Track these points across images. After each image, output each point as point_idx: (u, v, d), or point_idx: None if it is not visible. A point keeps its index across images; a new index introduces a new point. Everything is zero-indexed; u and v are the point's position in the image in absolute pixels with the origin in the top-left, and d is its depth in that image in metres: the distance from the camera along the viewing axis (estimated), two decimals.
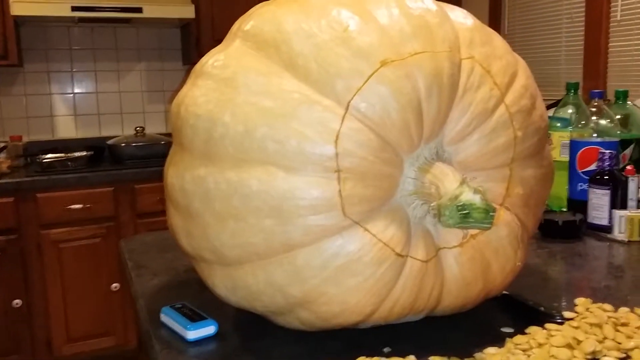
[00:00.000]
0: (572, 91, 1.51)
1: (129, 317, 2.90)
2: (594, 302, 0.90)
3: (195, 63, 0.82)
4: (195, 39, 3.22)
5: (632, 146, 1.52)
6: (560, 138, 1.49)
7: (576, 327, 0.80)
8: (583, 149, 1.40)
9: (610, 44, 2.75)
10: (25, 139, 3.17)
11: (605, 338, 0.77)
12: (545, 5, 3.10)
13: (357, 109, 0.70)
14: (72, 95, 3.33)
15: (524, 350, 0.75)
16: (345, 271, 0.71)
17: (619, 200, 1.31)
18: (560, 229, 1.30)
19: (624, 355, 0.74)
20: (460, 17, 0.82)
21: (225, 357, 0.79)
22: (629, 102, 1.59)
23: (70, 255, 2.78)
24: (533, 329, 0.81)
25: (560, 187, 1.45)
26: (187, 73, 3.49)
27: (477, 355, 0.76)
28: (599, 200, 1.32)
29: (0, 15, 2.83)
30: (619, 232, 1.29)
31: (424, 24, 0.75)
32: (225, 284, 0.79)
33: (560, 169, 1.41)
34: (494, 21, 3.45)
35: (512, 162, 0.80)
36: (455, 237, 0.77)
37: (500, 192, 0.80)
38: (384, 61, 0.71)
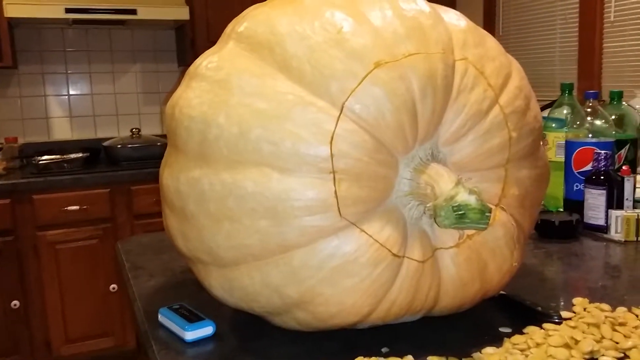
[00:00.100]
0: (567, 92, 1.51)
1: (128, 318, 2.90)
2: (591, 302, 0.90)
3: (190, 64, 0.82)
4: (190, 40, 3.22)
5: (627, 146, 1.52)
6: (556, 139, 1.49)
7: (574, 327, 0.80)
8: (578, 149, 1.40)
9: (604, 45, 2.75)
10: (20, 141, 3.16)
11: (602, 338, 0.77)
12: (540, 7, 3.11)
13: (351, 110, 0.70)
14: (67, 97, 3.33)
15: (521, 350, 0.75)
16: (341, 272, 0.71)
17: (615, 200, 1.31)
18: (557, 229, 1.30)
19: (621, 354, 0.74)
20: (454, 18, 0.82)
21: (223, 357, 0.79)
22: (623, 103, 1.60)
23: (67, 256, 2.78)
24: (531, 329, 0.81)
25: (557, 188, 1.45)
26: (182, 74, 3.48)
27: (475, 355, 0.76)
28: (595, 200, 1.33)
29: None
30: (616, 232, 1.29)
31: (417, 26, 0.75)
32: (221, 285, 0.79)
33: (556, 170, 1.42)
34: (489, 22, 3.45)
35: (507, 162, 0.80)
36: (451, 238, 0.77)
37: (495, 193, 0.80)
38: (378, 63, 0.71)
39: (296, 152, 0.69)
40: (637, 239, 1.27)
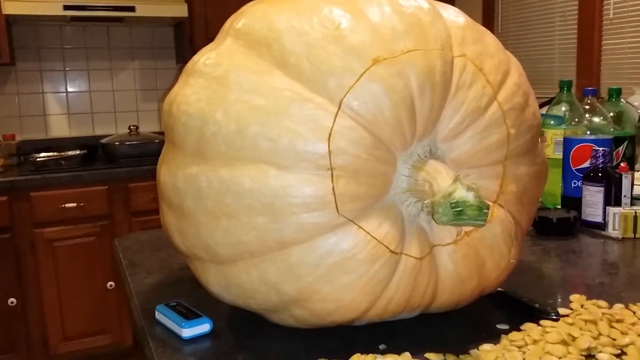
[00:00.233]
0: (566, 89, 1.52)
1: (125, 315, 2.89)
2: (589, 298, 0.91)
3: (188, 62, 0.82)
4: (189, 37, 3.22)
5: (625, 143, 1.52)
6: (554, 136, 1.49)
7: (571, 324, 0.80)
8: (577, 146, 1.40)
9: (603, 42, 2.75)
10: (18, 138, 3.16)
11: (600, 334, 0.77)
12: (539, 4, 3.11)
13: (349, 106, 0.70)
14: (64, 94, 3.32)
15: (519, 347, 0.75)
16: (339, 269, 0.71)
17: (612, 198, 1.31)
18: (555, 226, 1.30)
19: (618, 351, 0.74)
20: (452, 15, 0.82)
21: (220, 354, 0.78)
22: (622, 100, 1.60)
23: (64, 254, 2.77)
24: (528, 326, 0.81)
25: (555, 185, 1.45)
26: (181, 72, 3.49)
27: (473, 352, 0.76)
28: (592, 197, 1.33)
29: None
30: (613, 229, 1.29)
31: (416, 22, 0.75)
32: (219, 282, 0.78)
33: (554, 167, 1.42)
34: (488, 19, 3.45)
35: (505, 159, 0.80)
36: (449, 235, 0.77)
37: (493, 190, 0.80)
38: (376, 59, 0.71)
39: (294, 148, 0.69)
40: (634, 236, 1.27)
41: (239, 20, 0.80)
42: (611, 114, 1.50)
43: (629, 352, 0.74)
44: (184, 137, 0.76)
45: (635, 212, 1.27)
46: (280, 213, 0.70)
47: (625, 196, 1.33)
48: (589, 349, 0.74)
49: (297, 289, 0.73)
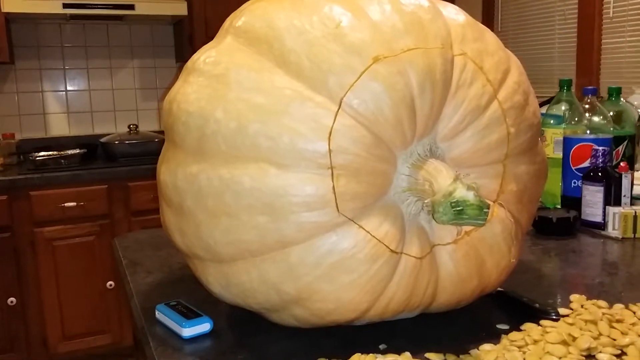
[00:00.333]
0: (565, 88, 1.51)
1: (125, 314, 2.89)
2: (589, 298, 0.90)
3: (188, 60, 0.82)
4: (188, 36, 3.21)
5: (625, 143, 1.52)
6: (554, 135, 1.49)
7: (571, 324, 0.80)
8: (576, 145, 1.40)
9: (603, 41, 2.75)
10: (18, 137, 3.16)
11: (600, 334, 0.77)
12: (539, 2, 3.10)
13: (350, 105, 0.70)
14: (64, 92, 3.32)
15: (519, 347, 0.75)
16: (339, 268, 0.71)
17: (612, 197, 1.31)
18: (555, 225, 1.30)
19: (618, 351, 0.74)
20: (453, 13, 0.82)
21: (220, 353, 0.78)
22: (621, 99, 1.59)
23: (64, 253, 2.77)
24: (528, 326, 0.81)
25: (554, 184, 1.45)
26: (180, 70, 3.48)
27: (473, 351, 0.76)
28: (592, 197, 1.32)
29: None
30: (613, 229, 1.29)
31: (416, 20, 0.75)
32: (219, 281, 0.78)
33: (554, 166, 1.42)
34: (488, 18, 3.45)
35: (505, 158, 0.80)
36: (449, 234, 0.77)
37: (494, 189, 0.80)
38: (377, 57, 0.71)
39: (294, 147, 0.69)
40: (634, 235, 1.27)
41: (239, 19, 0.79)
42: (611, 114, 1.50)
43: (629, 352, 0.74)
44: (184, 136, 0.76)
45: (635, 212, 1.27)
46: (281, 212, 0.69)
47: (625, 196, 1.33)
48: (589, 349, 0.74)
49: (297, 289, 0.73)
